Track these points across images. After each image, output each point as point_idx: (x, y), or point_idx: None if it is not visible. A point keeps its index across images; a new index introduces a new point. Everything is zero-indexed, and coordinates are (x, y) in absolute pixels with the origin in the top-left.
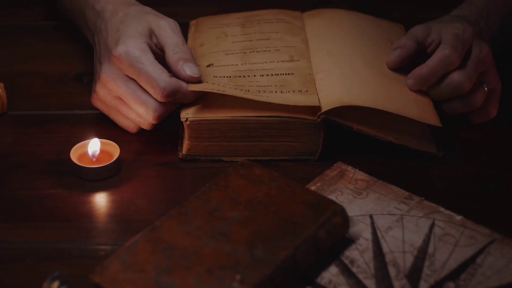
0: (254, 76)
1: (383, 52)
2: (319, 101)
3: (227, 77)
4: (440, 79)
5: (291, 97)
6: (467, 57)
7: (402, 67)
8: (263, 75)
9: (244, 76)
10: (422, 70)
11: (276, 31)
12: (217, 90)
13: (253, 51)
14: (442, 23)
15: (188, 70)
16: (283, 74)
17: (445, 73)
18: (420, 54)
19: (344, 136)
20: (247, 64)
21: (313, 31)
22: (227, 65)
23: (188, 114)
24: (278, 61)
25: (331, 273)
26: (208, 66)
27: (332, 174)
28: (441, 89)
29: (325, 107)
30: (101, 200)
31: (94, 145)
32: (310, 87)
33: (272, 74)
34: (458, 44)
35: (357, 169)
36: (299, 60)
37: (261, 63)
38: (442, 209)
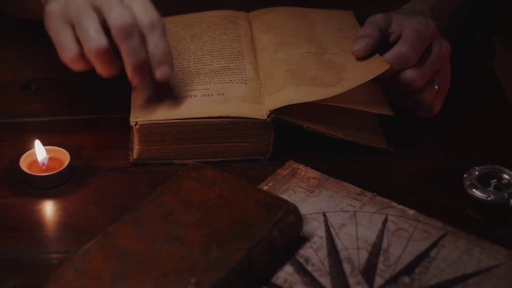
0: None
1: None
2: (264, 109)
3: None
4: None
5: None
6: (426, 54)
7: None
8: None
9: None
10: None
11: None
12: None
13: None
14: (403, 15)
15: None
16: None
17: (399, 70)
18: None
19: (295, 134)
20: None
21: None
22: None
23: (137, 118)
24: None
25: (287, 272)
26: None
27: (284, 173)
28: (393, 81)
29: (274, 106)
30: (53, 208)
31: (40, 151)
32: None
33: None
34: (417, 42)
35: (308, 167)
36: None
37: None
38: (394, 204)
